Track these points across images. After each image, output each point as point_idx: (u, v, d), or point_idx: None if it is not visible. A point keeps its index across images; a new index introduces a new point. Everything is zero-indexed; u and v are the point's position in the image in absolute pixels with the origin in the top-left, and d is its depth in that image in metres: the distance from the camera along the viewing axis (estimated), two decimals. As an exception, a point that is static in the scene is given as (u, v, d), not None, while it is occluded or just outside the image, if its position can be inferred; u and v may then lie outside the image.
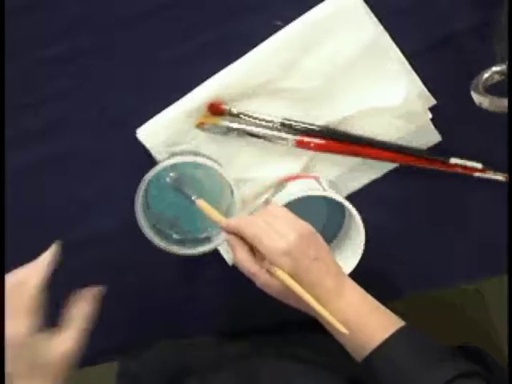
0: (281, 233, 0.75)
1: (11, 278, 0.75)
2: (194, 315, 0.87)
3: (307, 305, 0.75)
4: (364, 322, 0.76)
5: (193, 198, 0.86)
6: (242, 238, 0.77)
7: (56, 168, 0.93)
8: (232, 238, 0.78)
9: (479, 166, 0.90)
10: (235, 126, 0.89)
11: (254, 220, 0.77)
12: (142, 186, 0.86)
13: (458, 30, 0.90)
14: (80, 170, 0.93)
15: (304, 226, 0.77)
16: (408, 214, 0.95)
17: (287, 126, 0.89)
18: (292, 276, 0.75)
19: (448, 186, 0.93)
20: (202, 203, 0.84)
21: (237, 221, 0.78)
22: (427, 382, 0.71)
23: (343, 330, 0.73)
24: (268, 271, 0.75)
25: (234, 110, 0.89)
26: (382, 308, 0.78)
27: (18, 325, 0.72)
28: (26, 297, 0.74)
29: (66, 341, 0.76)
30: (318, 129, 0.90)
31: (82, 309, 0.79)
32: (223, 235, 0.90)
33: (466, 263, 0.97)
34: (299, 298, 0.75)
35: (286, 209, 0.79)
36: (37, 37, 0.90)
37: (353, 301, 0.77)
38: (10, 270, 0.91)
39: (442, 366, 0.72)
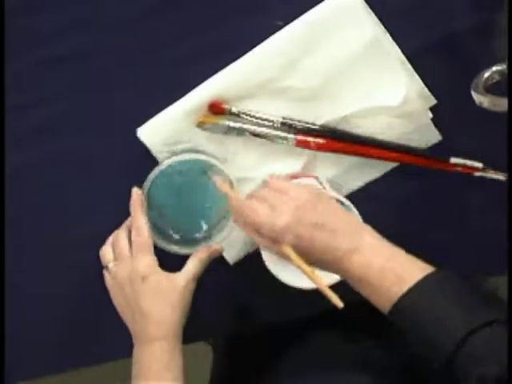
0: (276, 210, 0.76)
1: (125, 233, 0.87)
2: (195, 315, 0.87)
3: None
4: (386, 274, 0.73)
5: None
6: None
7: (56, 168, 0.93)
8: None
9: (479, 165, 0.90)
10: (235, 125, 0.89)
11: (249, 206, 0.78)
12: (147, 185, 0.86)
13: (458, 30, 0.90)
14: (80, 170, 0.93)
15: (300, 195, 0.77)
16: (408, 214, 0.95)
17: (287, 126, 0.89)
18: (299, 249, 0.75)
19: (448, 186, 0.93)
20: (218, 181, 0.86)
21: (235, 211, 0.81)
22: (457, 327, 0.68)
23: (339, 304, 0.72)
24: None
25: (235, 110, 0.89)
26: (406, 256, 0.75)
27: (146, 259, 0.84)
28: (147, 237, 0.85)
29: (186, 273, 0.86)
30: (318, 128, 0.90)
31: (199, 254, 0.87)
32: (223, 234, 0.90)
33: (466, 263, 0.97)
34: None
35: (283, 180, 0.81)
36: (37, 37, 0.90)
37: (371, 254, 0.74)
38: (10, 269, 0.92)
39: (473, 312, 0.69)
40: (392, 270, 0.72)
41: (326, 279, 0.79)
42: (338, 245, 0.74)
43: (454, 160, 0.90)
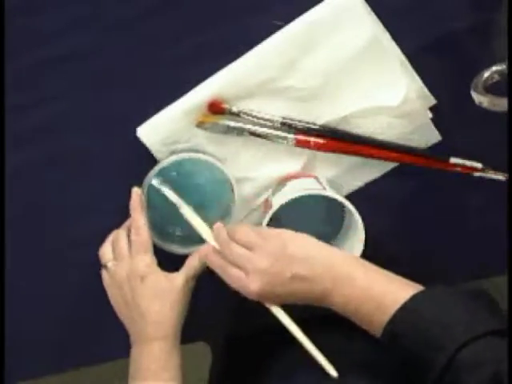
0: (248, 276, 0.77)
1: (124, 233, 0.87)
2: (194, 315, 0.87)
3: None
4: (376, 294, 0.74)
5: (177, 205, 0.87)
6: None
7: (56, 167, 0.93)
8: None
9: (479, 165, 0.90)
10: (235, 124, 0.89)
11: (223, 270, 0.80)
12: (146, 184, 0.86)
13: (458, 30, 0.90)
14: (80, 170, 0.93)
15: (268, 248, 0.78)
16: (408, 214, 0.95)
17: (287, 125, 0.89)
18: (282, 302, 0.79)
19: (448, 186, 0.93)
20: (186, 211, 0.87)
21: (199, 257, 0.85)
22: (455, 337, 0.67)
23: (333, 372, 0.75)
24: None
25: (234, 109, 0.89)
26: (393, 277, 0.76)
27: (145, 258, 0.85)
28: (145, 236, 0.85)
29: (185, 272, 0.86)
30: (318, 128, 0.90)
31: (196, 257, 0.87)
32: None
33: (466, 263, 0.97)
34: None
35: (245, 231, 0.80)
36: (37, 37, 0.90)
37: (356, 285, 0.75)
38: (10, 269, 0.92)
39: (472, 322, 0.68)
40: (379, 296, 0.74)
41: None
42: (316, 289, 0.76)
43: (453, 160, 0.90)
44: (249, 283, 0.77)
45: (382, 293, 0.73)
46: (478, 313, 0.69)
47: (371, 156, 0.90)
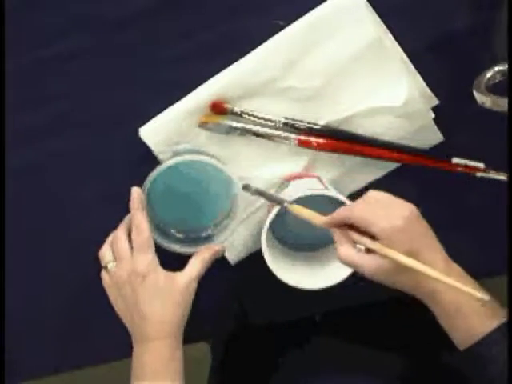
0: (390, 214, 0.75)
1: (123, 233, 0.87)
2: (195, 315, 0.87)
3: (419, 283, 0.76)
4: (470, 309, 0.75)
5: (285, 204, 0.84)
6: (345, 231, 0.78)
7: (56, 168, 0.93)
8: (337, 233, 0.79)
9: (481, 165, 0.90)
10: (238, 125, 0.89)
11: (359, 206, 0.77)
12: (146, 185, 0.86)
13: (459, 30, 0.90)
14: (81, 170, 0.93)
15: (410, 206, 0.77)
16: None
17: (289, 126, 0.89)
18: (408, 255, 0.74)
19: (450, 186, 0.94)
20: (295, 208, 0.83)
21: (342, 212, 0.78)
22: None
23: (481, 295, 0.71)
24: (380, 255, 0.75)
25: (237, 109, 0.89)
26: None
27: (146, 258, 0.84)
28: (146, 235, 0.84)
29: (188, 272, 0.86)
30: (320, 128, 0.90)
31: (202, 254, 0.87)
32: (225, 235, 0.90)
33: (466, 263, 0.96)
34: (412, 278, 0.75)
35: (386, 193, 0.78)
36: (37, 36, 0.90)
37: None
38: (10, 269, 0.92)
39: None
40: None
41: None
42: (438, 264, 0.76)
43: (455, 160, 0.90)
44: (392, 218, 0.75)
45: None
46: None
47: (373, 156, 0.90)
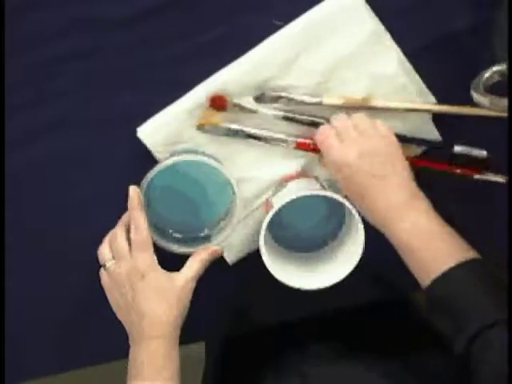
0: (345, 147, 0.82)
1: (121, 231, 0.87)
2: (194, 314, 0.87)
3: None
4: (430, 246, 0.78)
5: None
6: None
7: (56, 168, 0.93)
8: None
9: (484, 153, 0.90)
10: (236, 127, 0.89)
11: (329, 131, 0.85)
12: (144, 185, 0.86)
13: (458, 30, 0.90)
14: (80, 170, 0.93)
15: (374, 143, 0.82)
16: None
17: (290, 119, 0.90)
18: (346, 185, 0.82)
19: (448, 186, 0.93)
20: None
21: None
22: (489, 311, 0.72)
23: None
24: None
25: (237, 102, 0.89)
26: (452, 235, 0.80)
27: (145, 257, 0.84)
28: (145, 234, 0.84)
29: (186, 272, 0.86)
30: (323, 122, 0.90)
31: (200, 254, 0.88)
32: (223, 235, 0.90)
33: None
34: None
35: (368, 121, 0.84)
36: (37, 36, 0.90)
37: (419, 224, 0.79)
38: (10, 269, 0.92)
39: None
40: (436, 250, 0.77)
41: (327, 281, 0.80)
42: (393, 201, 0.80)
43: (457, 148, 0.90)
44: (341, 153, 0.83)
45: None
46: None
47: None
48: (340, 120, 0.85)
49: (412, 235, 0.78)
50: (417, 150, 0.92)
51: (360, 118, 0.84)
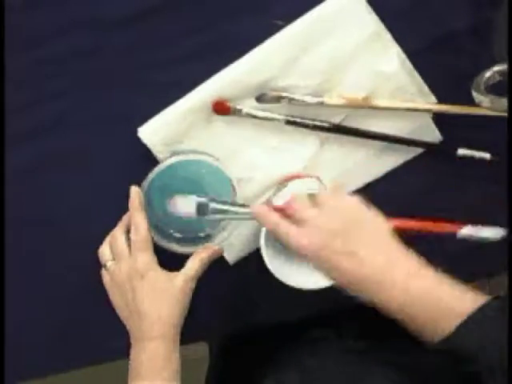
0: (306, 227, 0.76)
1: (121, 232, 0.87)
2: (194, 314, 0.87)
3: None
4: (431, 307, 0.73)
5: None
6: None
7: (56, 168, 0.93)
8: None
9: (487, 156, 0.90)
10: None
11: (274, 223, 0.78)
12: (145, 185, 0.86)
13: (458, 30, 0.90)
14: (80, 170, 0.93)
15: (335, 219, 0.76)
16: (408, 214, 0.95)
17: (292, 124, 0.90)
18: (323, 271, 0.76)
19: (449, 186, 0.94)
20: None
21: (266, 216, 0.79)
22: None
23: None
24: None
25: (240, 107, 0.89)
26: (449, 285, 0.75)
27: (145, 257, 0.84)
28: (144, 235, 0.85)
29: (186, 272, 0.86)
30: (326, 125, 0.90)
31: (200, 254, 0.88)
32: (224, 235, 0.90)
33: (467, 263, 0.96)
34: None
35: (332, 197, 0.78)
36: (37, 36, 0.90)
37: (410, 285, 0.73)
38: (10, 269, 0.91)
39: None
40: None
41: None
42: (369, 273, 0.74)
43: (461, 151, 0.90)
44: (303, 236, 0.75)
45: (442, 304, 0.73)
46: None
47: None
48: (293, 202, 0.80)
49: (402, 303, 0.74)
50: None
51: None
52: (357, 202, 0.78)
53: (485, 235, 0.79)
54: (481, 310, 0.71)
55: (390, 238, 0.76)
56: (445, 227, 0.82)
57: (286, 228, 0.76)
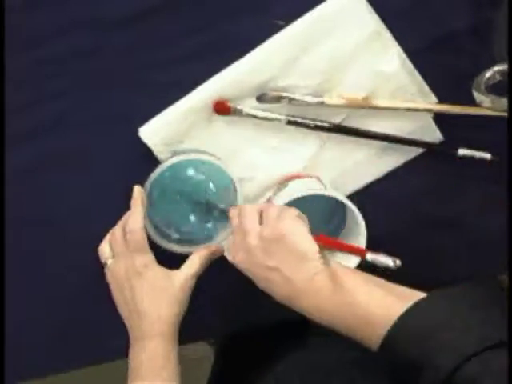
0: (237, 245, 0.79)
1: (121, 230, 0.87)
2: (194, 314, 0.87)
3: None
4: (357, 311, 0.72)
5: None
6: None
7: (56, 168, 0.93)
8: None
9: (488, 156, 0.90)
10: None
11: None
12: (148, 185, 0.86)
13: (459, 30, 0.90)
14: (80, 170, 0.93)
15: (265, 232, 0.77)
16: (409, 214, 0.95)
17: (293, 124, 0.90)
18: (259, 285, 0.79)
19: (450, 186, 0.94)
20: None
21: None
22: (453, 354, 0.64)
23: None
24: None
25: (240, 108, 0.89)
26: (376, 285, 0.74)
27: (143, 255, 0.85)
28: (141, 237, 0.84)
29: (186, 270, 0.86)
30: (326, 125, 0.90)
31: (200, 253, 0.88)
32: (224, 234, 0.90)
33: (467, 263, 0.97)
34: None
35: (253, 211, 0.80)
36: (37, 36, 0.90)
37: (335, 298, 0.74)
38: (10, 269, 0.91)
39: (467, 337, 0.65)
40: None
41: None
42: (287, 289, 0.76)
43: (461, 151, 0.90)
44: (236, 251, 0.79)
45: (370, 307, 0.72)
46: (484, 323, 0.66)
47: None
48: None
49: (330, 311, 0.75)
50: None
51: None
52: (290, 227, 0.78)
53: (384, 263, 0.83)
54: (413, 309, 0.68)
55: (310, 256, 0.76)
56: (353, 250, 0.86)
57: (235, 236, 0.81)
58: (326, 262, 0.76)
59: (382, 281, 0.75)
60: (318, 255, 0.76)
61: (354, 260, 0.84)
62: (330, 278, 0.75)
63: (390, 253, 0.83)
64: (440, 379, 0.63)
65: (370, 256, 0.83)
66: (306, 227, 0.78)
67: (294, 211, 0.79)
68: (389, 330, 0.68)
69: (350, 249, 0.85)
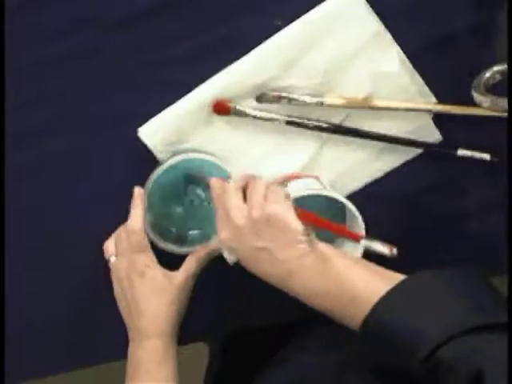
0: (221, 221, 0.79)
1: (124, 231, 0.87)
2: (193, 315, 0.87)
3: None
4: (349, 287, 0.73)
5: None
6: None
7: (56, 168, 0.93)
8: None
9: (487, 156, 0.90)
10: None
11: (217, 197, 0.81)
12: (148, 186, 0.86)
13: (458, 30, 0.90)
14: (80, 170, 0.93)
15: (254, 214, 0.76)
16: (408, 214, 0.95)
17: (293, 124, 0.90)
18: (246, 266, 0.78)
19: (450, 186, 0.94)
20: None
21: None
22: (431, 337, 0.63)
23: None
24: None
25: (240, 108, 0.89)
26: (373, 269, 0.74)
27: (144, 255, 0.85)
28: (142, 237, 0.85)
29: (185, 270, 0.87)
30: (326, 126, 0.90)
31: (198, 252, 0.89)
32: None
33: (467, 263, 0.96)
34: None
35: (237, 188, 0.80)
36: (37, 36, 0.90)
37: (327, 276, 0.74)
38: (10, 269, 0.91)
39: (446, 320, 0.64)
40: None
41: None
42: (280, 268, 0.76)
43: (461, 151, 0.90)
44: (220, 229, 0.79)
45: (357, 286, 0.72)
46: (463, 303, 0.66)
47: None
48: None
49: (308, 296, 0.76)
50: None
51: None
52: (280, 208, 0.78)
53: (379, 250, 0.83)
54: (393, 292, 0.68)
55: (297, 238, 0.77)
56: (345, 233, 0.86)
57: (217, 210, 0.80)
58: (315, 243, 0.77)
59: (371, 264, 0.76)
60: (307, 236, 0.76)
61: (359, 250, 0.84)
62: (320, 258, 0.75)
63: (389, 252, 0.83)
64: (418, 359, 0.63)
65: (364, 242, 0.83)
66: (292, 207, 0.78)
67: (281, 191, 0.79)
68: (372, 308, 0.68)
69: (344, 232, 0.86)
